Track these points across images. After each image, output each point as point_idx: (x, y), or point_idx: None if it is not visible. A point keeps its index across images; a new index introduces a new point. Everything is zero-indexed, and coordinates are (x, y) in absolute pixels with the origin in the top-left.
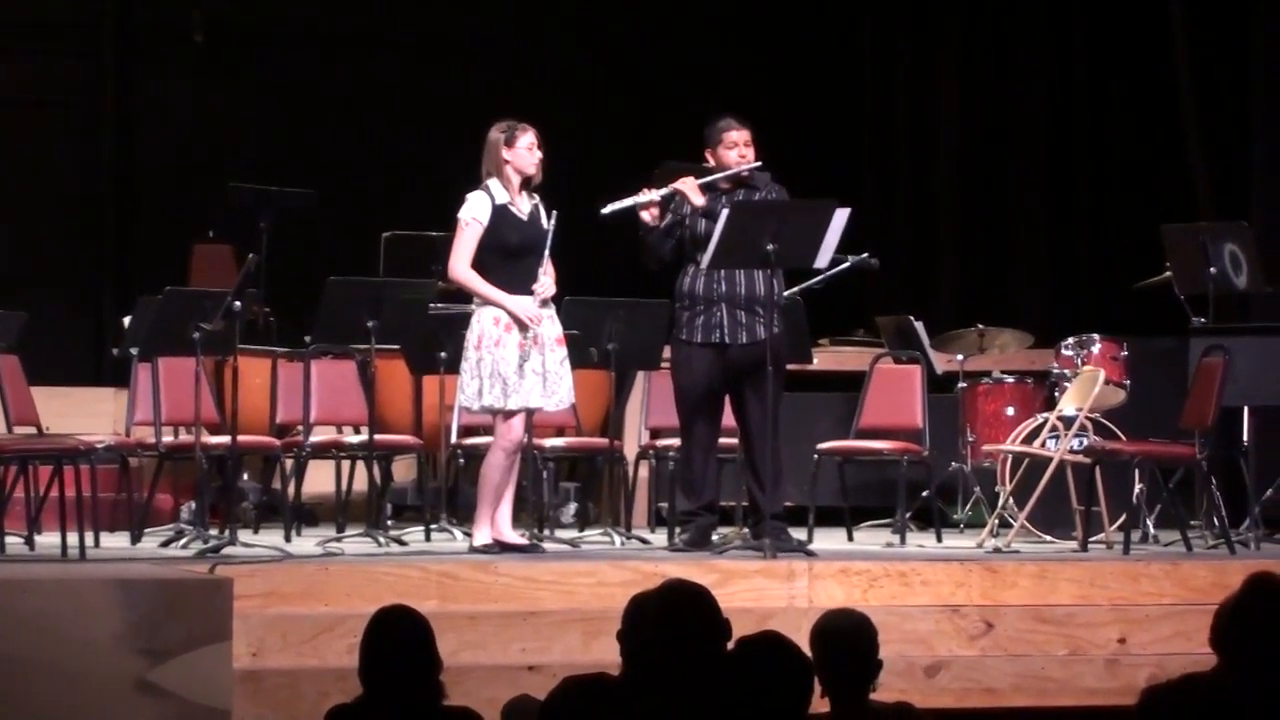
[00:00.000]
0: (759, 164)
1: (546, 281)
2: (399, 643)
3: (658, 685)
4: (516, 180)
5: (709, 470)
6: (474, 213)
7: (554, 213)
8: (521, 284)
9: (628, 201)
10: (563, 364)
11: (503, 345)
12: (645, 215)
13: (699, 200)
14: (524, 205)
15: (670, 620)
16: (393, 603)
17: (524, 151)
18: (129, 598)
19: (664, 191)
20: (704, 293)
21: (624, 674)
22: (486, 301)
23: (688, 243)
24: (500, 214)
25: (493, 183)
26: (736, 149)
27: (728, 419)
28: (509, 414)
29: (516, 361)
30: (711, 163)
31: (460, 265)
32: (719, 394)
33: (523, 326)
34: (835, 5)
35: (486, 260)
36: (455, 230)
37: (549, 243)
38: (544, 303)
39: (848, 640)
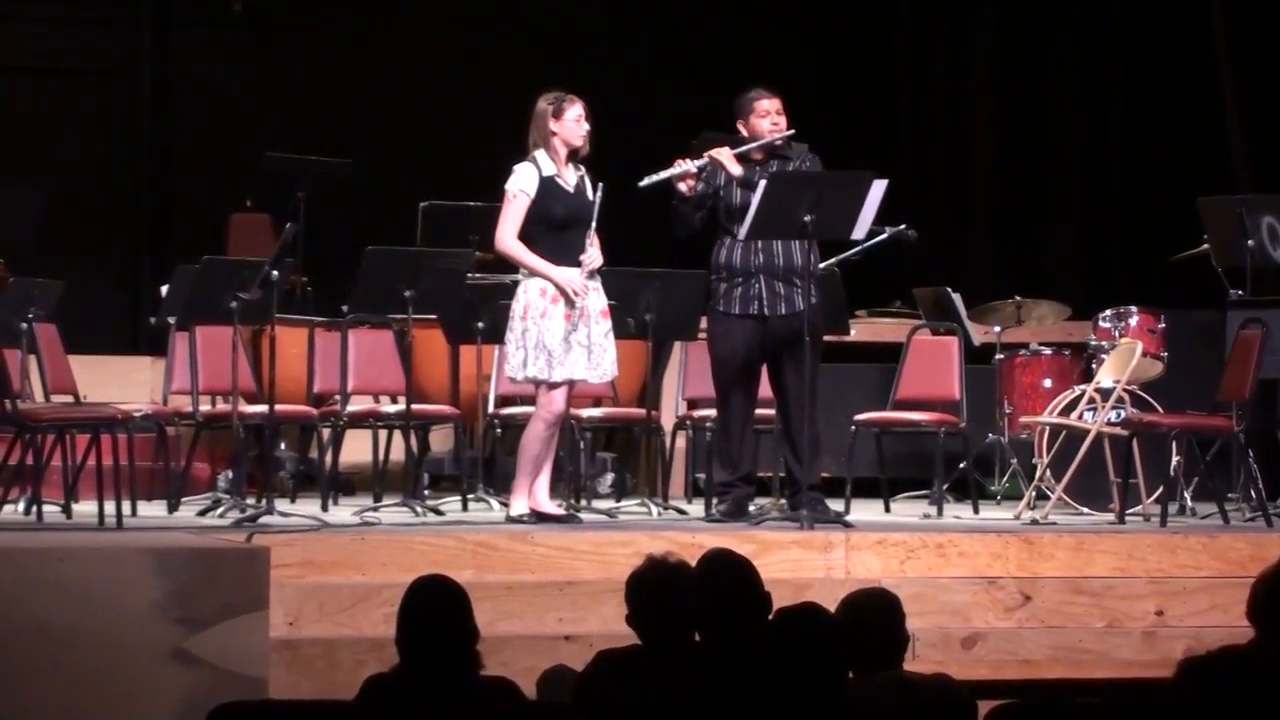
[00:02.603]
0: (792, 131)
1: (594, 253)
2: (436, 612)
3: (692, 657)
4: (563, 152)
5: (746, 441)
6: (521, 184)
7: (600, 185)
8: (567, 256)
9: (664, 174)
10: (607, 336)
11: (549, 317)
12: (681, 186)
13: (736, 170)
14: (570, 177)
15: (712, 590)
16: (429, 572)
17: (571, 123)
18: (166, 566)
19: (700, 162)
20: (742, 264)
21: (650, 648)
22: (533, 273)
23: (723, 213)
24: (547, 186)
25: (540, 154)
26: (769, 118)
27: (764, 390)
28: (553, 385)
29: (562, 333)
30: (744, 133)
31: (507, 237)
32: (756, 365)
33: (569, 299)
34: None
35: (533, 232)
36: (502, 201)
37: (595, 215)
38: (590, 275)
39: (872, 617)
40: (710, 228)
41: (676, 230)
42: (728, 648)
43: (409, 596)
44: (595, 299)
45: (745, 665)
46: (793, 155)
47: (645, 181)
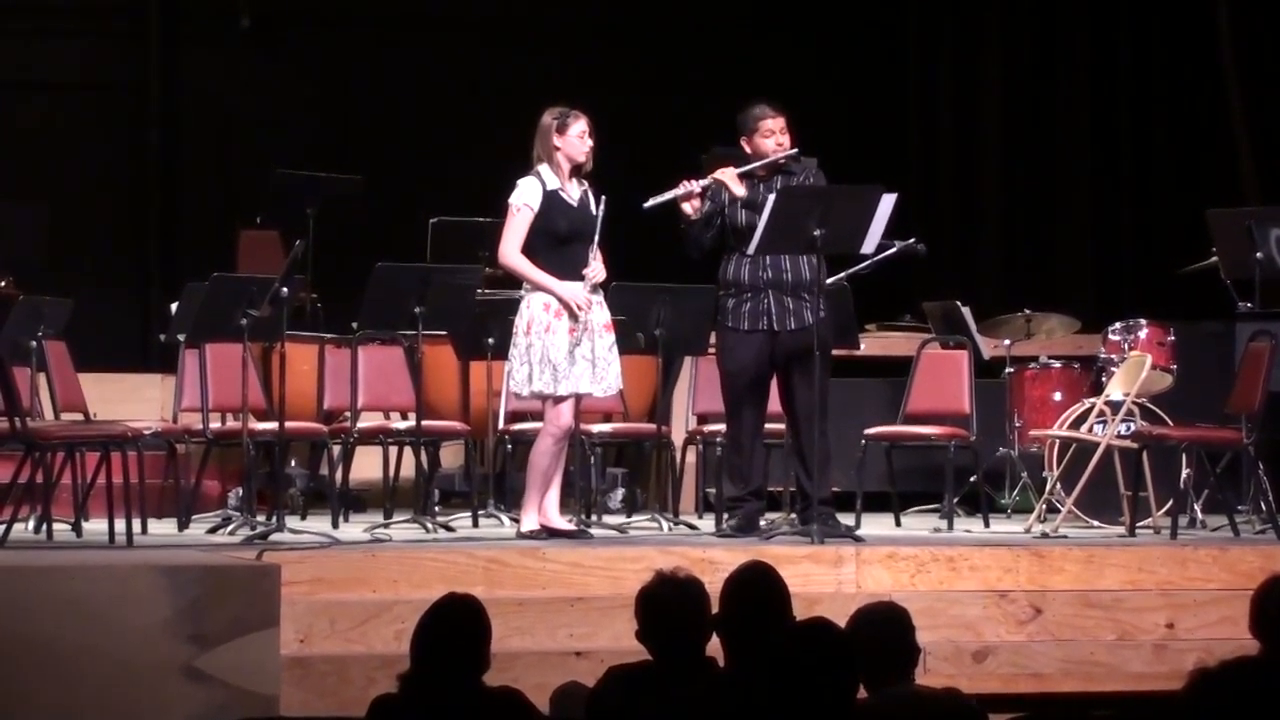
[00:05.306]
0: (796, 150)
1: (596, 266)
2: (453, 635)
3: (703, 672)
4: (567, 167)
5: (756, 456)
6: (525, 198)
7: (603, 198)
8: (571, 270)
9: (669, 195)
10: (611, 350)
11: (553, 331)
12: (686, 207)
13: (740, 191)
14: (574, 191)
15: (742, 601)
16: (452, 590)
17: (575, 139)
18: (176, 584)
19: (704, 182)
20: (750, 280)
21: (661, 663)
22: (536, 287)
23: (729, 232)
24: (551, 200)
25: (543, 168)
26: (773, 137)
27: (773, 404)
28: (558, 400)
29: (567, 347)
30: (747, 150)
31: (511, 251)
32: (765, 380)
33: (572, 313)
34: None
35: (536, 246)
36: (505, 216)
37: (598, 229)
38: (593, 288)
39: (883, 631)
40: (720, 244)
41: (689, 251)
42: (749, 661)
43: (434, 610)
44: (599, 313)
45: (756, 680)
46: (798, 171)
47: (650, 203)
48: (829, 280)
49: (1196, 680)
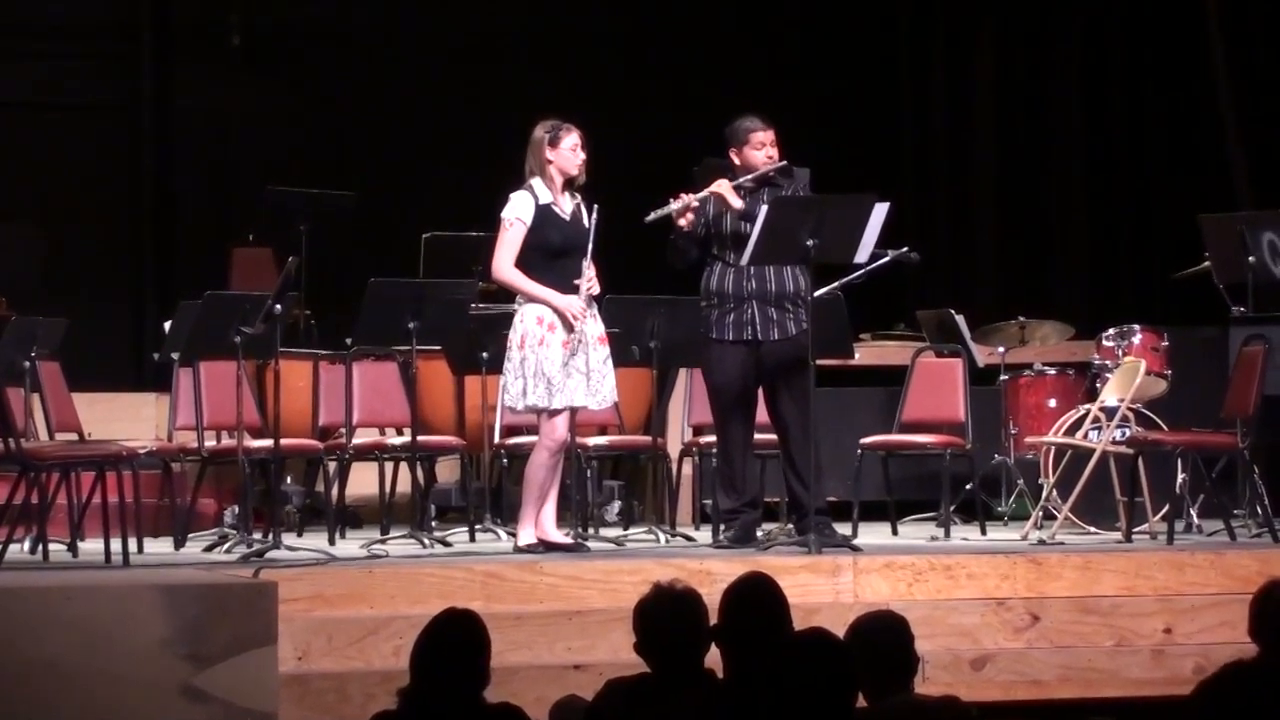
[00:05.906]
0: (785, 163)
1: (590, 278)
2: (453, 650)
3: (701, 684)
4: (559, 180)
5: (748, 467)
6: (517, 212)
7: (595, 208)
8: (564, 283)
9: (668, 208)
10: (605, 363)
11: (546, 345)
12: (682, 221)
13: (738, 204)
14: (566, 204)
15: (741, 610)
16: (453, 606)
17: (567, 152)
18: (173, 603)
19: (702, 195)
20: (734, 290)
21: (660, 675)
22: (531, 299)
23: (715, 242)
24: (543, 213)
25: (536, 182)
26: (764, 150)
27: (763, 415)
28: (553, 413)
29: (560, 361)
30: (736, 161)
31: (504, 265)
32: (752, 391)
33: (567, 325)
34: None
35: (530, 260)
36: (497, 230)
37: (591, 241)
38: (587, 300)
39: (881, 641)
40: (702, 256)
41: (673, 262)
42: (748, 673)
43: (433, 625)
44: (593, 325)
45: (756, 691)
46: (785, 185)
47: (651, 216)
48: (823, 290)
49: (1211, 681)
